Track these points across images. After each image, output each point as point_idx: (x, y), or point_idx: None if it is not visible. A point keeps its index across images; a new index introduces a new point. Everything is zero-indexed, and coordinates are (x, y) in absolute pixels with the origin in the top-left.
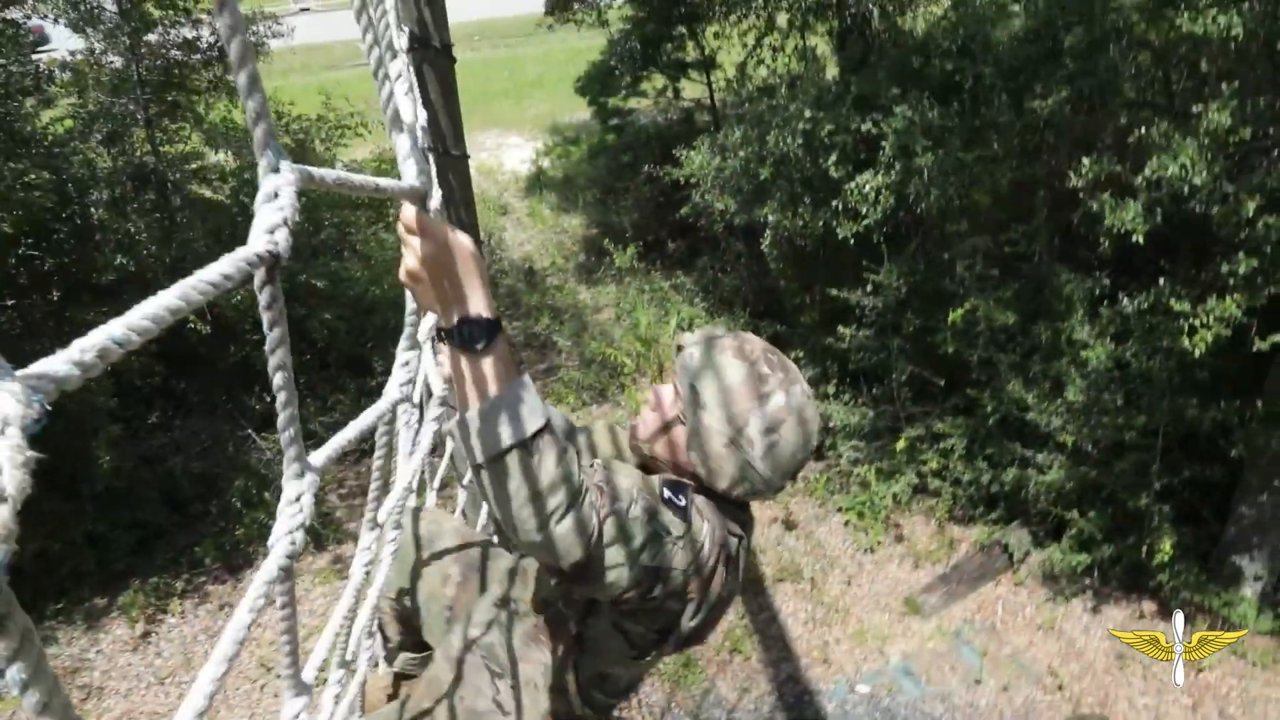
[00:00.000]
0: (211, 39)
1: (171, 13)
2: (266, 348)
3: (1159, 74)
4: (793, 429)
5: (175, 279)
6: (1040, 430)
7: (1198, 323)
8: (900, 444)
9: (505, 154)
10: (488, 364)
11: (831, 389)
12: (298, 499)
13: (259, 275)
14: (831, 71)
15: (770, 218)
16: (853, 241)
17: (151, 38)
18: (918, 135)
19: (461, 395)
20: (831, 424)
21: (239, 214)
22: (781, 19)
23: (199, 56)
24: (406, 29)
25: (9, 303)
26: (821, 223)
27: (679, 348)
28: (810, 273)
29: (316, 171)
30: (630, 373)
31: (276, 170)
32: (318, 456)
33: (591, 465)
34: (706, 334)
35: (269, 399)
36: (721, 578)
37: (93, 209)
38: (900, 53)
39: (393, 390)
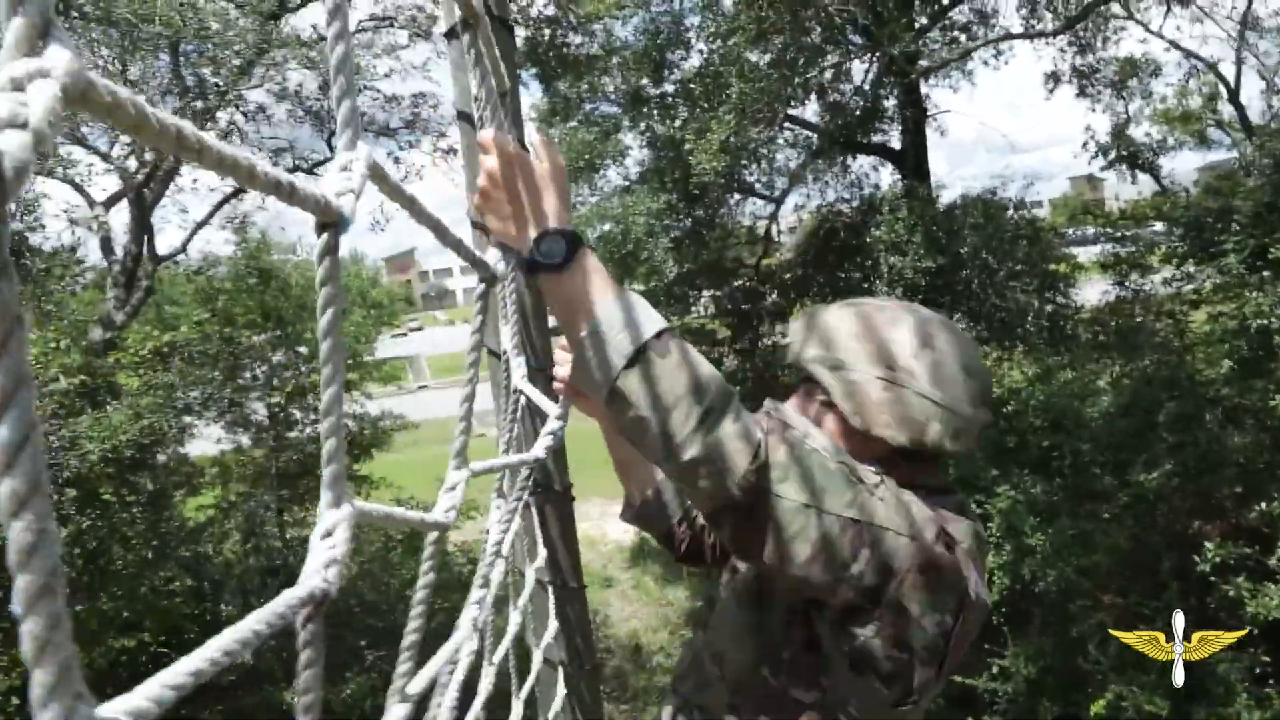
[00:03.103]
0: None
1: (312, 414)
2: (299, 688)
3: (1265, 440)
4: (944, 337)
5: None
6: None
7: None
8: None
9: (608, 524)
10: (581, 276)
11: None
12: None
13: (303, 613)
14: None
15: None
16: None
17: (293, 434)
18: (1024, 514)
19: (572, 319)
20: None
21: (356, 603)
22: None
23: None
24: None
25: None
26: None
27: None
28: None
29: (370, 507)
30: None
31: (337, 506)
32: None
33: None
34: (792, 324)
35: None
36: (950, 560)
37: (223, 606)
38: (994, 431)
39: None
